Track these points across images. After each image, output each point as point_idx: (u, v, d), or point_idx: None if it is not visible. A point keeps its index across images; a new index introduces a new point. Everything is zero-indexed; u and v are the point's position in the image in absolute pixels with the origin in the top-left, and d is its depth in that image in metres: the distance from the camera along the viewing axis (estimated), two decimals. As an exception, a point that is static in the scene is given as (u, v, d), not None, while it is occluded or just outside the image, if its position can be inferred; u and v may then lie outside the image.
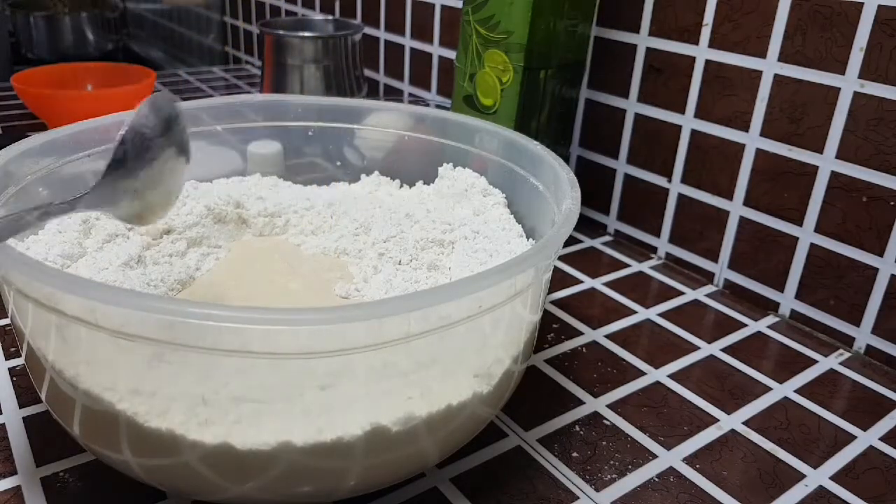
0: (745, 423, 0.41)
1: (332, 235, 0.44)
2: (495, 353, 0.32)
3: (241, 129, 0.49)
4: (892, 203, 0.46)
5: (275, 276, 0.41)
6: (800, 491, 0.36)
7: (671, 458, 0.38)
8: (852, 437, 0.41)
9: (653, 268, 0.59)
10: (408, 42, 0.85)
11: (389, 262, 0.41)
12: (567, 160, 0.62)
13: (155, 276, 0.37)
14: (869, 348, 0.49)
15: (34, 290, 0.27)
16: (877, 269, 0.47)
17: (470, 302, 0.28)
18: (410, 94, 0.87)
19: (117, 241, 0.39)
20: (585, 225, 0.66)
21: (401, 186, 0.51)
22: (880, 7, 0.44)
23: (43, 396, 0.32)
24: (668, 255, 0.61)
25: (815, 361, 0.48)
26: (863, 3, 0.45)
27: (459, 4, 0.75)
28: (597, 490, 0.35)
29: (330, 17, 0.88)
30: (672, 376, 0.45)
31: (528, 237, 0.43)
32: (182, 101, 0.33)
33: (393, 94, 0.89)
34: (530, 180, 0.43)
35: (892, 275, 0.46)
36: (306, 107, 0.50)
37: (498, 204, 0.45)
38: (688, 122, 0.57)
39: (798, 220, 0.51)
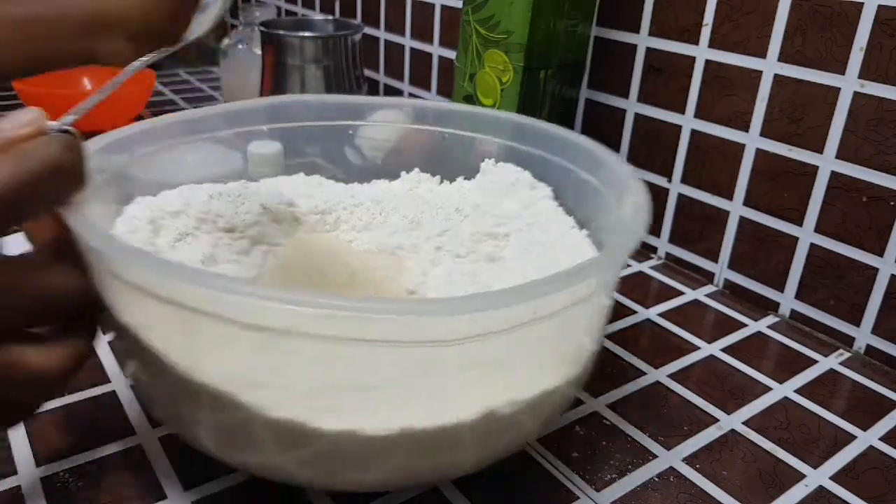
0: (745, 423, 0.41)
1: (384, 231, 0.44)
2: (584, 340, 0.33)
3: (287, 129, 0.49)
4: (892, 203, 0.46)
5: (339, 270, 0.41)
6: (800, 491, 0.36)
7: (671, 457, 0.38)
8: (852, 437, 0.41)
9: (653, 268, 0.59)
10: (408, 42, 0.86)
11: (448, 256, 0.41)
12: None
13: (229, 273, 0.38)
14: (869, 348, 0.49)
15: (157, 286, 0.27)
16: (877, 269, 0.47)
17: (583, 289, 0.29)
18: (410, 94, 0.87)
19: (187, 241, 0.39)
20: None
21: (440, 182, 0.51)
22: (880, 7, 0.44)
23: (140, 388, 0.32)
24: (668, 255, 0.61)
25: (815, 361, 0.48)
26: (863, 3, 0.45)
27: (459, 4, 0.75)
28: (597, 490, 0.35)
29: (330, 17, 0.88)
30: (672, 376, 0.45)
31: (580, 228, 0.43)
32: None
33: (393, 95, 0.89)
34: (581, 175, 0.43)
35: (892, 275, 0.46)
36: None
37: (545, 197, 0.46)
38: (688, 122, 0.57)
39: (798, 220, 0.51)
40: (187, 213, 0.40)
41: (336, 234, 0.46)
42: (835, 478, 0.37)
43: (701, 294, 0.56)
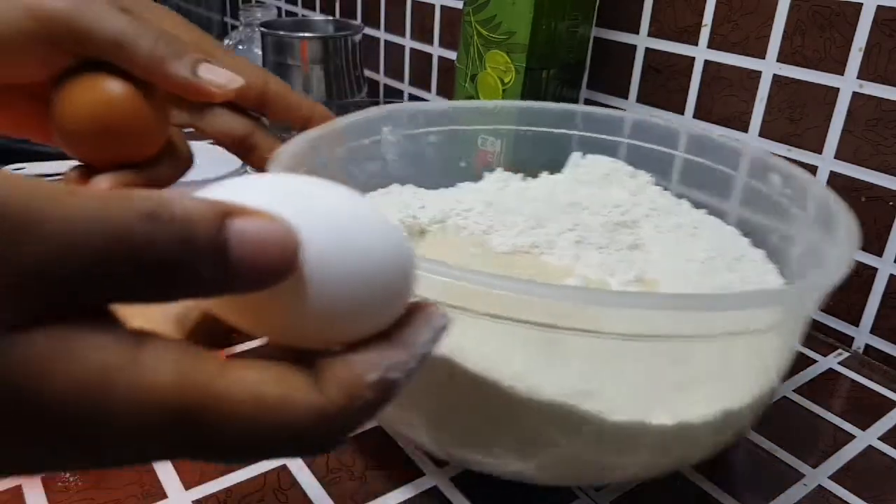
0: (745, 423, 0.41)
1: (511, 232, 0.43)
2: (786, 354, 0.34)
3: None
4: (890, 203, 0.46)
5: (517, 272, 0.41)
6: (799, 490, 0.36)
7: (670, 457, 0.38)
8: (851, 437, 0.41)
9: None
10: (408, 43, 0.86)
11: (590, 248, 0.41)
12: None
13: None
14: (868, 348, 0.49)
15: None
16: (876, 269, 0.47)
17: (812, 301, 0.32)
18: (410, 95, 0.87)
19: None
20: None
21: (524, 179, 0.50)
22: (879, 7, 0.44)
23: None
24: (667, 255, 0.61)
25: (815, 361, 0.48)
26: (861, 4, 0.45)
27: (460, 5, 0.75)
28: (596, 490, 0.35)
29: (330, 18, 0.88)
30: (671, 376, 0.45)
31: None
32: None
33: (393, 95, 0.89)
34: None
35: (892, 275, 0.47)
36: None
37: (649, 183, 0.47)
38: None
39: (797, 221, 0.51)
40: None
41: (457, 240, 0.44)
42: (834, 477, 0.37)
43: (700, 294, 0.56)
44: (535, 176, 0.50)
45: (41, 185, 0.14)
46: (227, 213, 0.15)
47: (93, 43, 0.25)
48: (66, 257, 0.14)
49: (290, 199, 0.16)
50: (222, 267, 0.15)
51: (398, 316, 0.18)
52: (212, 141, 0.33)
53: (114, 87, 0.25)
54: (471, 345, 0.29)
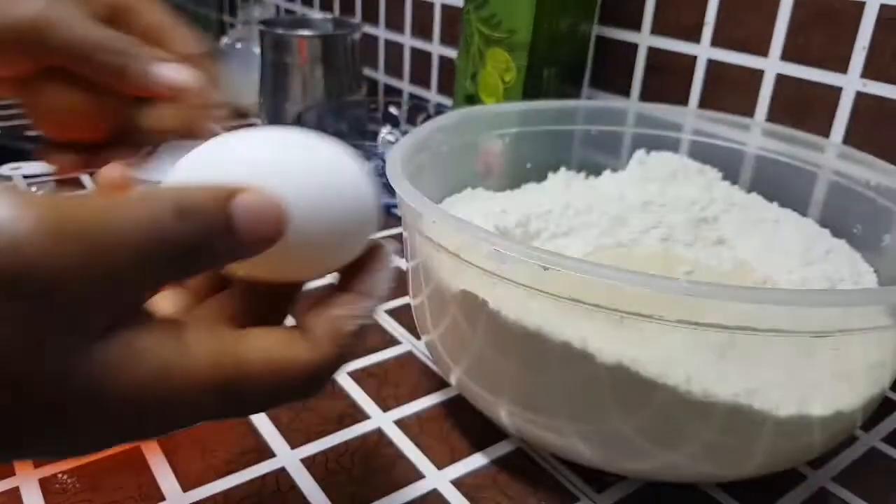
0: (747, 424, 0.41)
1: (591, 233, 0.43)
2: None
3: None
4: (894, 203, 0.46)
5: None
6: (801, 492, 0.36)
7: (673, 459, 0.38)
8: (854, 439, 0.40)
9: (653, 267, 0.59)
10: (408, 41, 0.85)
11: (677, 245, 0.41)
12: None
13: None
14: (871, 349, 0.48)
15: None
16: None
17: None
18: (410, 94, 0.87)
19: None
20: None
21: (586, 177, 0.50)
22: (882, 6, 0.44)
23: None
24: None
25: (817, 362, 0.47)
26: (864, 3, 0.45)
27: (460, 3, 0.75)
28: (597, 492, 0.35)
29: (329, 16, 0.88)
30: (673, 377, 0.45)
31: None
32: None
33: (392, 94, 0.89)
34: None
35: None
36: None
37: (717, 178, 0.47)
38: (689, 121, 0.56)
39: (800, 220, 0.51)
40: None
41: (538, 242, 0.43)
42: (836, 479, 0.37)
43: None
44: (597, 174, 0.50)
45: (87, 203, 0.16)
46: (229, 195, 0.18)
47: (51, 52, 0.26)
48: (135, 265, 0.17)
49: (269, 165, 0.20)
50: (232, 242, 0.19)
51: (367, 243, 0.22)
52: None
53: (71, 93, 0.28)
54: (643, 351, 0.29)
